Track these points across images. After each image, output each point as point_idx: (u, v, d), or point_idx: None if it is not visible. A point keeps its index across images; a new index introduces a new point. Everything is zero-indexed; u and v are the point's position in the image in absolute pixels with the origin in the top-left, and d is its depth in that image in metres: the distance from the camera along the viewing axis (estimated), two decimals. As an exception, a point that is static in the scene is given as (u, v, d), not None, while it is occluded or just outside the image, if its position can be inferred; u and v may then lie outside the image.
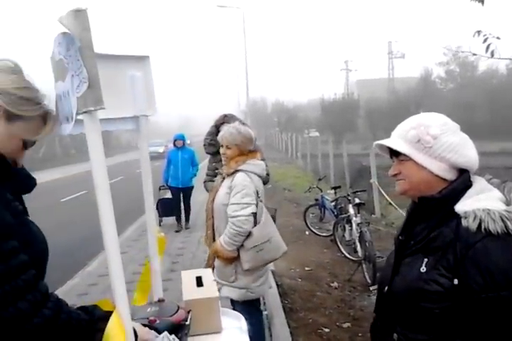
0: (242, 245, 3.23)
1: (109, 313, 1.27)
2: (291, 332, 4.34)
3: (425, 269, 1.44)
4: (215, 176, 4.79)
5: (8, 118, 1.29)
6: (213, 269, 3.28)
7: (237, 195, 3.21)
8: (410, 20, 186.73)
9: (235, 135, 3.31)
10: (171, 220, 9.68)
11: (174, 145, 9.40)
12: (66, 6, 1.21)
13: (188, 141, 10.88)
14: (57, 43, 1.23)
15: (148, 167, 1.94)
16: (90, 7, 1.14)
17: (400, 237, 1.63)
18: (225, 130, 3.40)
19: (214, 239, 3.42)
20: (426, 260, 1.46)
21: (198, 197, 13.05)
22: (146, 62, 1.88)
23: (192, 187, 9.43)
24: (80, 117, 1.23)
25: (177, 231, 9.27)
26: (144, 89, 1.84)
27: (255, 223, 3.25)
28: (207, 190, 4.95)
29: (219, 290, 3.20)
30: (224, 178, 3.40)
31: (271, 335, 4.29)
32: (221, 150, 3.39)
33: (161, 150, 33.76)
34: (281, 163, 22.91)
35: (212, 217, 3.42)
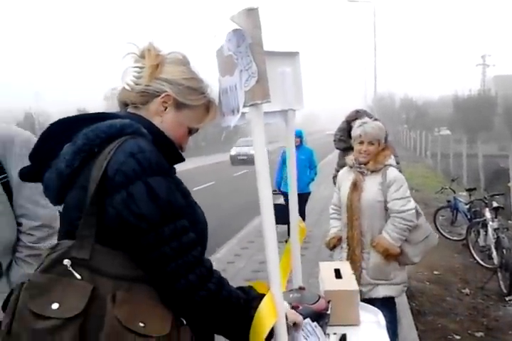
0: (405, 240, 3.21)
1: (262, 295, 1.34)
2: (419, 335, 4.21)
3: None
4: None
5: (177, 107, 1.41)
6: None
7: (401, 189, 3.19)
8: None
9: (377, 130, 3.28)
10: (284, 228, 8.71)
11: None
12: (235, 6, 1.30)
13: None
14: (227, 40, 1.32)
15: (293, 158, 2.01)
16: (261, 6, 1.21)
17: None
18: (365, 126, 3.34)
19: (360, 241, 3.35)
20: None
21: (323, 193, 13.11)
22: (296, 58, 1.95)
23: (309, 194, 8.20)
24: (244, 110, 1.32)
25: (287, 241, 8.67)
26: (292, 84, 1.92)
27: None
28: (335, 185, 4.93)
29: (371, 290, 3.23)
30: (364, 175, 3.33)
31: (397, 336, 4.19)
32: (361, 147, 3.31)
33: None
34: (409, 162, 22.06)
35: (359, 217, 3.33)
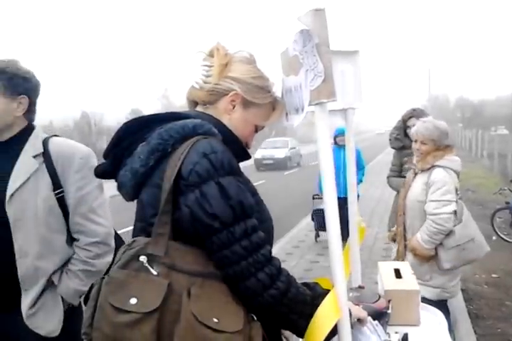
0: (441, 244, 3.13)
1: (327, 291, 1.35)
2: (477, 340, 4.10)
3: None
4: (401, 172, 4.70)
5: (245, 105, 1.44)
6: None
7: (438, 191, 3.10)
8: None
9: (431, 130, 3.21)
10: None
11: (335, 142, 7.22)
12: (302, 6, 1.32)
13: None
14: (293, 40, 1.34)
15: (353, 157, 2.01)
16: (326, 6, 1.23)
17: None
18: (419, 125, 3.31)
19: (405, 237, 3.35)
20: None
21: (374, 193, 12.94)
22: (356, 57, 1.95)
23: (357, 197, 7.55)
24: (310, 109, 1.34)
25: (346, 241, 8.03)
26: (353, 82, 1.92)
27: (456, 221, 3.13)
28: (390, 186, 4.87)
29: None
30: (416, 174, 3.32)
31: (454, 339, 4.10)
32: (414, 145, 3.30)
33: (281, 154, 24.30)
34: (464, 162, 21.18)
35: (403, 213, 3.36)
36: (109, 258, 2.05)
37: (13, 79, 1.97)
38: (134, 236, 1.33)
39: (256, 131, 1.51)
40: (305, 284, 1.35)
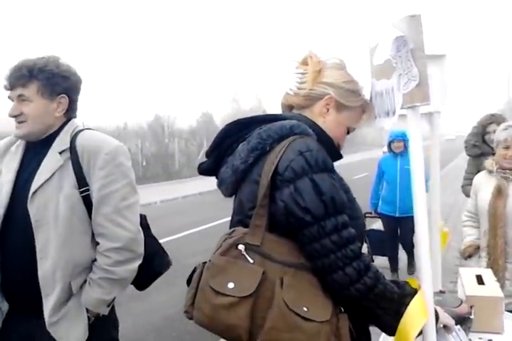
0: None
1: (416, 291, 1.37)
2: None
3: None
4: None
5: (338, 108, 1.52)
6: None
7: None
8: None
9: None
10: (383, 261, 5.98)
11: (389, 149, 5.93)
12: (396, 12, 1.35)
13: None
14: (386, 45, 1.38)
15: (437, 161, 2.01)
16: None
17: None
18: (506, 128, 3.20)
19: (505, 250, 3.19)
20: None
21: (447, 200, 12.52)
22: (443, 61, 1.95)
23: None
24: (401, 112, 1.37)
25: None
26: (439, 86, 1.92)
27: None
28: (466, 195, 4.72)
29: None
30: (508, 181, 3.17)
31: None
32: (506, 152, 3.16)
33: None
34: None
35: (504, 225, 3.20)
36: (134, 265, 1.92)
37: (52, 78, 1.89)
38: (230, 228, 1.42)
39: (348, 132, 1.58)
40: (394, 282, 1.38)
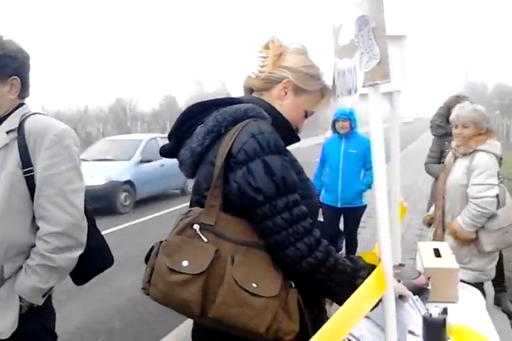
0: (482, 227, 3.18)
1: (369, 264, 1.44)
2: (511, 325, 4.12)
3: None
4: (440, 159, 4.70)
5: (296, 92, 1.56)
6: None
7: (482, 175, 3.14)
8: None
9: (472, 113, 3.25)
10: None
11: (334, 129, 5.18)
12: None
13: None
14: (348, 25, 1.41)
15: (397, 140, 2.07)
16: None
17: None
18: (458, 110, 3.37)
19: (443, 220, 3.39)
20: None
21: (407, 181, 12.82)
22: (404, 41, 2.00)
23: (364, 208, 5.14)
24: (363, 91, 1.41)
25: None
26: (399, 66, 1.97)
27: (498, 204, 3.16)
28: (428, 172, 4.88)
29: None
30: (456, 158, 3.35)
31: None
32: (456, 131, 3.34)
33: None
34: (501, 150, 20.89)
35: (443, 197, 3.39)
36: (75, 254, 1.82)
37: (0, 60, 1.81)
38: (190, 207, 1.46)
39: (306, 116, 1.62)
40: (348, 257, 1.44)
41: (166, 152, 1.59)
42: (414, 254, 3.49)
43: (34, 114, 1.92)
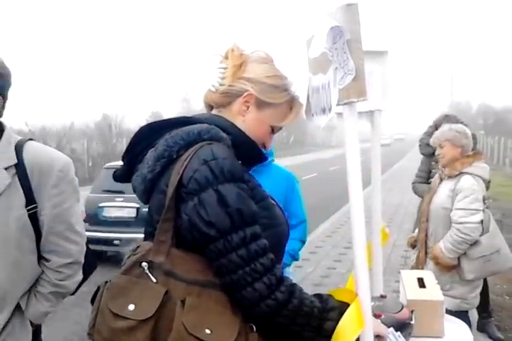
0: (465, 253, 3.04)
1: (341, 304, 1.29)
2: (499, 352, 3.99)
3: None
4: (428, 179, 4.60)
5: (259, 106, 1.40)
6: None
7: (466, 199, 3.01)
8: None
9: (446, 132, 3.21)
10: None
11: None
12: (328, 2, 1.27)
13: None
14: (322, 37, 1.29)
15: (378, 161, 1.94)
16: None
17: None
18: (438, 131, 3.33)
19: (426, 244, 3.28)
20: None
21: (392, 200, 12.79)
22: (385, 58, 1.89)
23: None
24: (337, 110, 1.28)
25: None
26: (380, 83, 1.86)
27: (482, 231, 3.04)
28: (415, 192, 4.80)
29: None
30: (442, 180, 3.25)
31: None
32: (436, 152, 3.28)
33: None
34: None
35: (426, 220, 3.28)
36: (79, 277, 1.87)
37: None
38: (144, 240, 1.33)
39: (273, 131, 1.47)
40: (317, 295, 1.29)
41: (119, 177, 1.44)
42: (400, 277, 3.38)
43: (27, 141, 1.81)
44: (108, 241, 6.82)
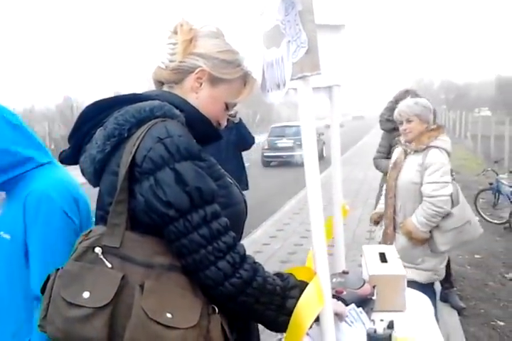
0: (437, 226, 3.05)
1: (302, 282, 1.28)
2: (460, 321, 4.11)
3: None
4: (389, 154, 4.61)
5: (212, 82, 1.34)
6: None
7: (436, 173, 3.00)
8: None
9: (413, 106, 3.16)
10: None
11: None
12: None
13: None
14: (274, 8, 1.23)
15: (337, 137, 1.92)
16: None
17: None
18: (399, 106, 3.28)
19: (394, 219, 3.28)
20: None
21: (357, 175, 12.95)
22: (342, 32, 1.85)
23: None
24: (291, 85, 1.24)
25: None
26: (338, 58, 1.82)
27: (452, 203, 3.07)
28: (377, 168, 4.79)
29: None
30: (407, 154, 3.23)
31: (437, 320, 4.09)
32: (402, 127, 3.23)
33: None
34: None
35: (394, 195, 3.27)
36: None
37: None
38: (95, 224, 1.27)
39: (227, 108, 1.42)
40: (278, 274, 1.27)
41: (65, 158, 1.36)
42: (362, 252, 3.40)
43: None
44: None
